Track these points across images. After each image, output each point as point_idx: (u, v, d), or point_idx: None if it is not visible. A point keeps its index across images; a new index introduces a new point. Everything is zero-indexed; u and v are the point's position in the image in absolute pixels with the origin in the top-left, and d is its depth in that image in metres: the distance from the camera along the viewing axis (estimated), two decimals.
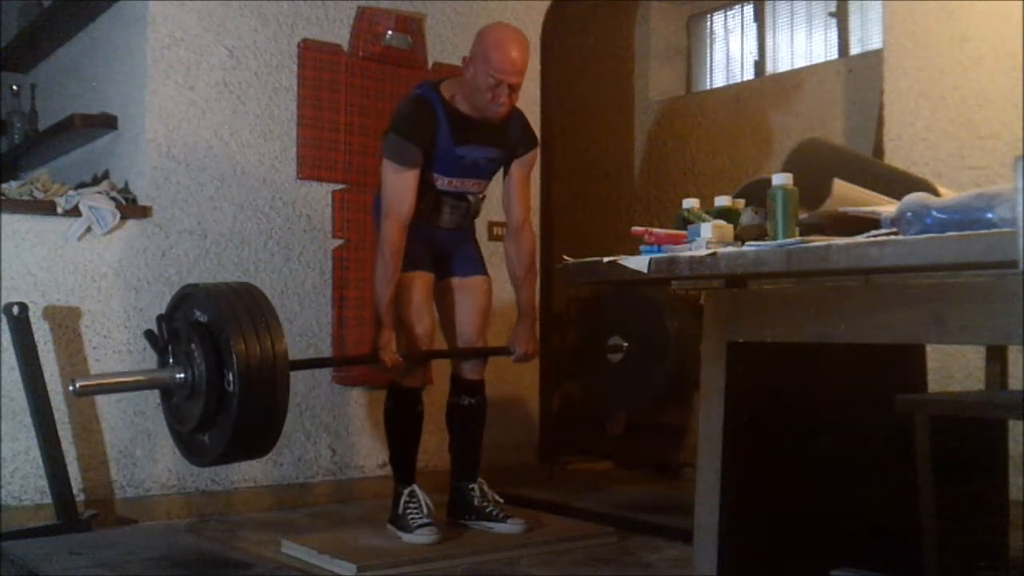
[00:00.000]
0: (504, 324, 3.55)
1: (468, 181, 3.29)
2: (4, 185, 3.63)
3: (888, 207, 2.00)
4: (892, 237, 1.87)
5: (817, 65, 5.28)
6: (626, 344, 3.48)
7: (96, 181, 3.94)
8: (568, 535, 3.34)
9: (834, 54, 5.27)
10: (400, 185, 3.16)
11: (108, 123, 3.96)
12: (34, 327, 3.39)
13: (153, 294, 3.67)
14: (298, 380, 3.63)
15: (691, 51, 6.15)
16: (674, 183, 5.78)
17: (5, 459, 3.44)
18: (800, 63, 5.47)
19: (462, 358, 3.43)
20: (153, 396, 3.44)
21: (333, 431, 4.05)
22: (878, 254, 1.84)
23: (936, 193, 2.16)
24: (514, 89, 3.14)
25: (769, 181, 2.15)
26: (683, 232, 2.31)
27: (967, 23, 3.70)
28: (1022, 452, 2.94)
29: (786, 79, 5.39)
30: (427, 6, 4.32)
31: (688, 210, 2.38)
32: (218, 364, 2.69)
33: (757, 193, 2.30)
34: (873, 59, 4.54)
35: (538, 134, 3.54)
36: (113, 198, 3.64)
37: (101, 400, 3.60)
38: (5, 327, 3.37)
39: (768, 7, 5.67)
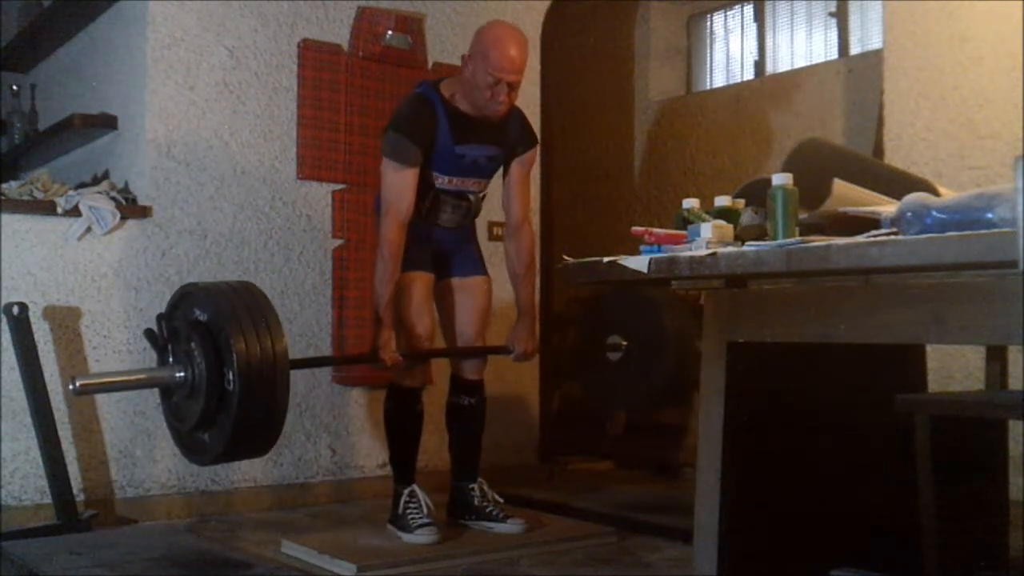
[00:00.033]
0: (504, 324, 3.55)
1: (468, 180, 3.29)
2: (4, 185, 3.63)
3: (888, 207, 2.00)
4: (892, 237, 1.87)
5: (817, 65, 5.28)
6: (625, 343, 3.49)
7: (96, 181, 3.94)
8: (568, 535, 3.34)
9: (834, 54, 5.27)
10: (399, 184, 3.16)
11: (108, 123, 3.96)
12: (34, 327, 3.39)
13: (153, 294, 3.67)
14: (298, 380, 3.63)
15: (691, 51, 6.15)
16: (674, 183, 5.77)
17: (5, 459, 3.44)
18: (800, 63, 5.47)
19: (461, 357, 3.43)
20: (153, 396, 3.44)
21: (333, 431, 4.05)
22: (878, 254, 1.84)
23: (936, 193, 2.16)
24: (513, 87, 3.14)
25: (769, 181, 2.15)
26: (683, 232, 2.31)
27: (967, 23, 3.70)
28: (1022, 452, 2.94)
29: (786, 79, 5.39)
30: (427, 6, 4.32)
31: (688, 210, 2.38)
32: (218, 363, 2.69)
33: (757, 193, 2.30)
34: (873, 59, 4.54)
35: (538, 134, 3.54)
36: (113, 198, 3.64)
37: (101, 400, 3.60)
38: (5, 327, 3.37)
39: (768, 7, 5.67)
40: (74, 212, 3.55)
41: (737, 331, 2.32)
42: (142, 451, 3.68)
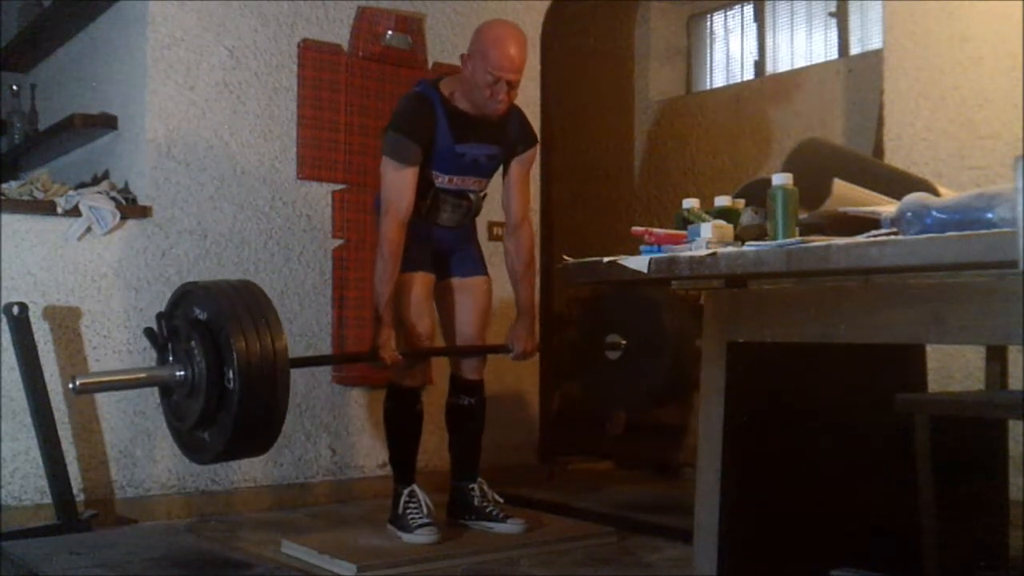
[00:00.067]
0: (504, 323, 3.55)
1: (468, 179, 3.29)
2: (4, 185, 3.63)
3: (888, 207, 2.00)
4: (892, 237, 1.87)
5: (817, 65, 5.28)
6: (624, 342, 3.49)
7: (96, 181, 3.94)
8: (568, 535, 3.34)
9: (834, 54, 5.27)
10: (399, 183, 3.16)
11: (108, 123, 3.96)
12: (34, 327, 3.39)
13: (153, 294, 3.67)
14: (298, 380, 3.63)
15: (691, 51, 6.15)
16: (674, 183, 5.78)
17: (5, 459, 3.44)
18: (800, 63, 5.47)
19: (461, 356, 3.43)
20: (153, 396, 3.44)
21: (333, 431, 4.05)
22: (878, 254, 1.84)
23: (936, 193, 2.16)
24: (513, 86, 3.14)
25: (769, 181, 2.15)
26: (683, 232, 2.31)
27: (967, 23, 3.70)
28: (1022, 452, 2.94)
29: (786, 79, 5.39)
30: (427, 6, 4.32)
31: (688, 210, 2.38)
32: (218, 361, 2.69)
33: (757, 193, 2.30)
34: (873, 59, 4.54)
35: (538, 134, 3.54)
36: (113, 198, 3.64)
37: (101, 400, 3.60)
38: (5, 327, 3.37)
39: (768, 7, 5.67)
40: (74, 212, 3.55)
41: (737, 331, 2.32)
42: (142, 451, 3.68)
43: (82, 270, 3.59)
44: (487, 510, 3.36)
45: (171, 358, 2.85)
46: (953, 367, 3.54)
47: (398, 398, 3.35)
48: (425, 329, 3.28)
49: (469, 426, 3.45)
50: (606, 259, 2.35)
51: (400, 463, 3.36)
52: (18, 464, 3.46)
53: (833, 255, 1.90)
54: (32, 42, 4.71)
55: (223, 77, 3.87)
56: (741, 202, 2.38)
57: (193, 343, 2.74)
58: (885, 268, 1.91)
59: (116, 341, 3.64)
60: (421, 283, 3.28)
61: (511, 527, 3.30)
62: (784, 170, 2.18)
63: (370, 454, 4.09)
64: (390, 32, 4.13)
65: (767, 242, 2.09)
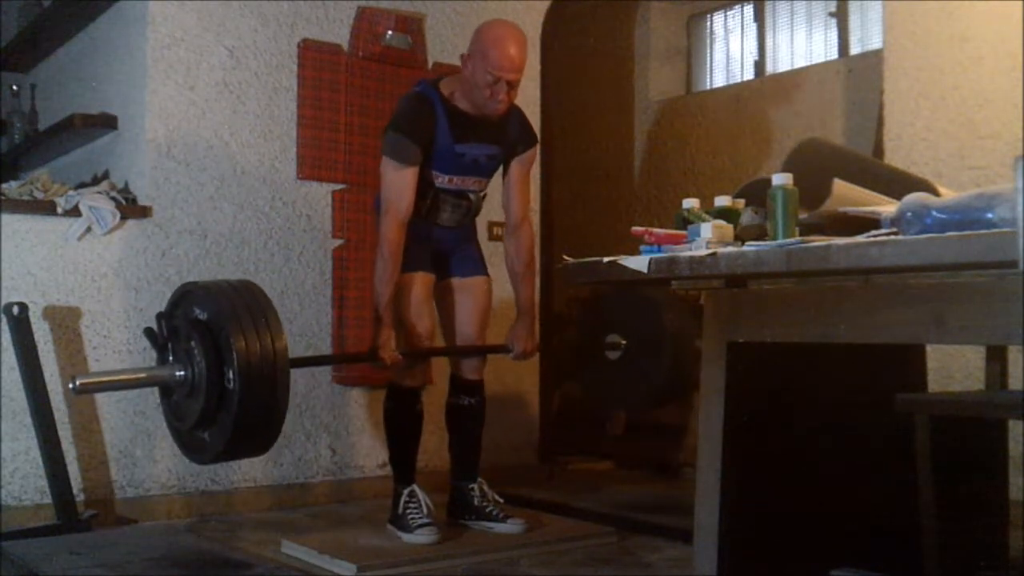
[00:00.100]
0: (504, 323, 3.55)
1: (468, 179, 3.29)
2: (4, 185, 3.63)
3: (888, 207, 2.00)
4: (892, 237, 1.87)
5: (817, 65, 5.28)
6: (624, 342, 3.49)
7: (96, 181, 3.94)
8: (568, 535, 3.34)
9: (834, 54, 5.27)
10: (399, 183, 3.16)
11: (108, 123, 3.96)
12: (34, 327, 3.39)
13: (153, 294, 3.67)
14: (298, 380, 3.63)
15: (691, 51, 6.15)
16: (674, 183, 5.78)
17: (5, 459, 3.44)
18: (800, 63, 5.47)
19: (461, 356, 3.43)
20: (153, 396, 3.44)
21: (333, 431, 4.05)
22: (878, 254, 1.84)
23: (936, 193, 2.16)
24: (512, 86, 3.14)
25: (769, 181, 2.15)
26: (683, 232, 2.31)
27: (967, 23, 3.70)
28: (1022, 452, 2.94)
29: (786, 79, 5.39)
30: (427, 6, 4.32)
31: (688, 210, 2.38)
32: (218, 361, 2.69)
33: (757, 193, 2.30)
34: (873, 59, 4.54)
35: (538, 134, 3.54)
36: (113, 198, 3.64)
37: (101, 400, 3.60)
38: (5, 327, 3.37)
39: (768, 7, 5.67)
40: (74, 212, 3.55)
41: (737, 331, 2.32)
42: (142, 451, 3.68)
43: (82, 270, 3.59)
44: (487, 510, 3.36)
45: (171, 358, 2.85)
46: (953, 367, 3.54)
47: (398, 398, 3.35)
48: (425, 329, 3.28)
49: (469, 426, 3.45)
50: (606, 259, 2.35)
51: (400, 463, 3.36)
52: (18, 464, 3.46)
53: (833, 255, 1.90)
54: (32, 42, 4.71)
55: (223, 77, 3.87)
56: (741, 202, 2.38)
57: (193, 343, 2.74)
58: (885, 268, 1.91)
59: (116, 341, 3.64)
60: (421, 283, 3.28)
61: (511, 527, 3.30)
62: (784, 170, 2.18)
63: (370, 454, 4.09)
64: (390, 32, 4.13)
65: (767, 242, 2.09)
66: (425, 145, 3.16)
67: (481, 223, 3.68)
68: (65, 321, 3.56)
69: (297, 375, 3.38)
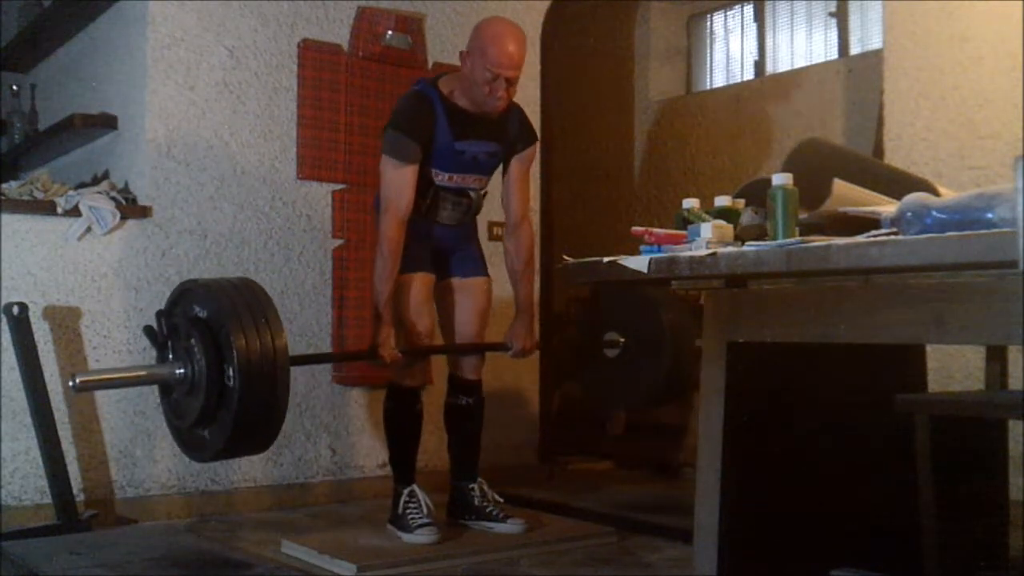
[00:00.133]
0: (504, 322, 3.55)
1: (469, 177, 3.29)
2: (4, 185, 3.63)
3: (888, 207, 2.00)
4: (892, 237, 1.87)
5: (817, 65, 5.28)
6: (622, 340, 3.49)
7: (96, 181, 3.94)
8: (568, 535, 3.34)
9: (834, 54, 5.27)
10: (399, 181, 3.16)
11: (108, 123, 3.96)
12: (34, 327, 3.39)
13: (153, 294, 3.66)
14: (298, 380, 3.63)
15: (691, 51, 6.15)
16: (674, 183, 5.78)
17: (5, 459, 3.44)
18: (800, 63, 5.47)
19: (460, 354, 3.43)
20: (153, 396, 3.44)
21: (333, 431, 4.05)
22: (878, 254, 1.84)
23: (936, 193, 2.16)
24: (511, 83, 3.14)
25: (769, 181, 2.15)
26: (683, 232, 2.31)
27: (967, 23, 3.70)
28: (1022, 452, 2.94)
29: (786, 79, 5.39)
30: (427, 6, 4.32)
31: (688, 210, 2.38)
32: (218, 359, 2.69)
33: (757, 193, 2.30)
34: (873, 59, 4.54)
35: (538, 133, 3.54)
36: (113, 198, 3.64)
37: (101, 400, 3.60)
38: (5, 327, 3.37)
39: (768, 7, 5.68)
40: (74, 212, 3.55)
41: (737, 331, 2.32)
42: (142, 451, 3.68)
43: (82, 270, 3.59)
44: (487, 510, 3.36)
45: (171, 356, 2.85)
46: (953, 367, 3.54)
47: (398, 398, 3.35)
48: (425, 328, 3.28)
49: (468, 426, 3.45)
50: (606, 259, 2.35)
51: (400, 463, 3.36)
52: (18, 464, 3.46)
53: (833, 255, 1.90)
54: (32, 42, 4.71)
55: (223, 77, 3.87)
56: (741, 202, 2.38)
57: (193, 341, 2.74)
58: (885, 268, 1.91)
59: (116, 341, 3.64)
60: (421, 283, 3.28)
61: (511, 527, 3.30)
62: (784, 170, 2.18)
63: (370, 454, 4.09)
64: (390, 32, 4.13)
65: (767, 242, 2.09)
66: (425, 143, 3.16)
67: (481, 223, 3.68)
68: (65, 321, 3.56)
69: (297, 375, 3.38)
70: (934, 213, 1.82)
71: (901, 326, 2.00)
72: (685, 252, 2.21)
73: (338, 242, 4.08)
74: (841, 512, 2.48)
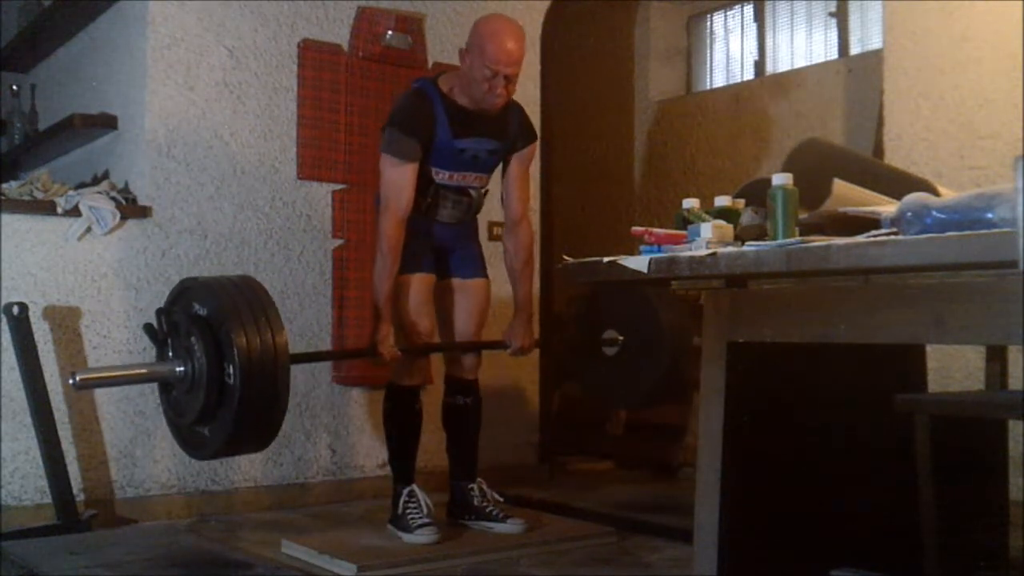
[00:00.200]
0: (504, 321, 3.55)
1: (469, 175, 3.29)
2: (4, 185, 3.63)
3: (888, 207, 2.00)
4: (892, 237, 1.87)
5: (817, 65, 5.28)
6: (621, 338, 3.49)
7: (96, 181, 3.94)
8: (568, 535, 3.34)
9: (834, 54, 5.27)
10: (398, 179, 3.16)
11: (108, 123, 3.96)
12: (34, 327, 3.39)
13: (153, 294, 3.66)
14: (298, 380, 3.63)
15: (691, 51, 6.15)
16: (674, 183, 5.78)
17: (5, 459, 3.44)
18: (800, 63, 5.47)
19: (459, 352, 3.43)
20: (153, 396, 3.44)
21: (333, 431, 4.05)
22: (878, 254, 1.84)
23: (936, 193, 2.16)
24: (511, 80, 3.13)
25: (769, 181, 2.15)
26: (683, 232, 2.31)
27: (967, 23, 3.70)
28: (1022, 452, 2.94)
29: (786, 79, 5.39)
30: (427, 6, 4.32)
31: (688, 210, 2.38)
32: (218, 357, 2.69)
33: (757, 193, 2.30)
34: (873, 59, 4.54)
35: (538, 133, 3.54)
36: (113, 198, 3.64)
37: (101, 400, 3.61)
38: (5, 327, 3.37)
39: (768, 7, 5.67)
40: (74, 212, 3.55)
41: (737, 331, 2.32)
42: (142, 451, 3.68)
43: (82, 270, 3.59)
44: (487, 510, 3.36)
45: (171, 354, 2.85)
46: (953, 367, 3.54)
47: (397, 397, 3.35)
48: (425, 329, 3.28)
49: (466, 426, 3.45)
50: (606, 259, 2.35)
51: (400, 463, 3.36)
52: (18, 464, 3.46)
53: (833, 255, 1.90)
54: (32, 42, 4.71)
55: (223, 77, 3.87)
56: (741, 202, 2.38)
57: (193, 339, 2.74)
58: (885, 268, 1.91)
59: (116, 341, 3.64)
60: (421, 284, 3.28)
61: (511, 527, 3.30)
62: (784, 170, 2.18)
63: (370, 454, 4.09)
64: (390, 32, 4.13)
65: (767, 242, 2.09)
66: (424, 141, 3.16)
67: (481, 223, 3.68)
68: (65, 321, 3.56)
69: (297, 375, 3.38)
70: (934, 213, 1.82)
71: (901, 326, 2.00)
72: (685, 252, 2.21)
73: (338, 242, 4.08)
74: (841, 512, 2.48)
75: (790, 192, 2.10)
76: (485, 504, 3.37)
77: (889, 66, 3.96)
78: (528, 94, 4.24)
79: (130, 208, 3.68)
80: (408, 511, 3.23)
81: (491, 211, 3.83)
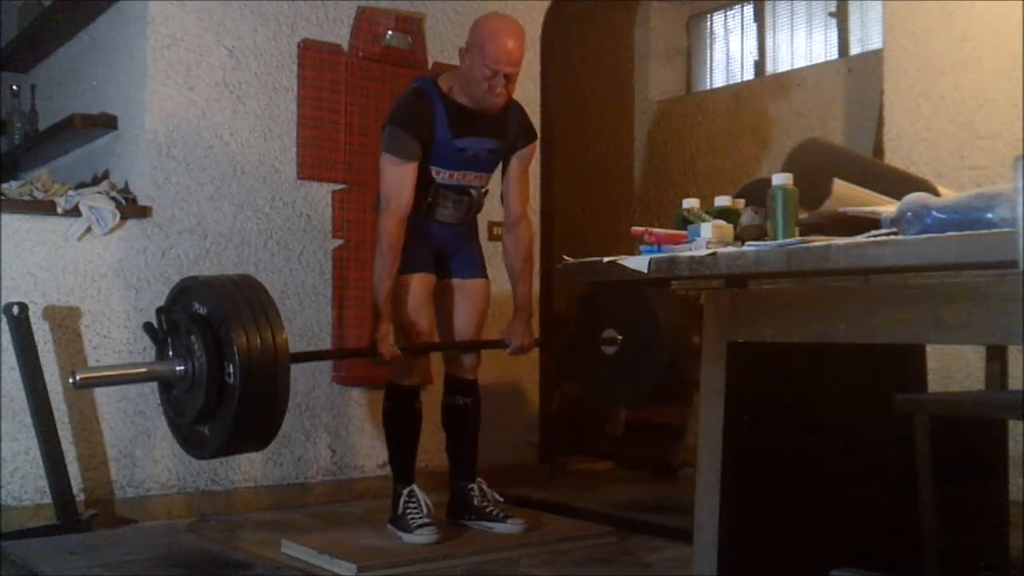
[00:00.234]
0: (503, 321, 3.55)
1: (469, 174, 3.29)
2: (4, 185, 3.63)
3: (888, 207, 2.00)
4: (892, 237, 1.87)
5: (817, 65, 5.28)
6: (620, 337, 3.49)
7: (96, 181, 3.94)
8: (568, 535, 3.34)
9: (834, 54, 5.27)
10: (398, 178, 3.16)
11: (108, 123, 3.96)
12: (34, 327, 3.39)
13: (153, 294, 3.66)
14: (298, 380, 3.63)
15: (691, 51, 6.15)
16: (674, 183, 5.78)
17: (5, 459, 3.44)
18: (800, 63, 5.47)
19: (458, 351, 3.43)
20: (153, 396, 3.44)
21: (333, 431, 4.05)
22: (878, 254, 1.84)
23: (936, 193, 2.16)
24: (510, 79, 3.13)
25: (769, 181, 2.15)
26: (683, 232, 2.31)
27: (967, 23, 3.70)
28: (1022, 452, 2.94)
29: (786, 79, 5.39)
30: (427, 6, 4.32)
31: (688, 210, 2.38)
32: (218, 356, 2.69)
33: (757, 193, 2.30)
34: (873, 59, 4.54)
35: (538, 133, 3.54)
36: (113, 198, 3.64)
37: (101, 400, 3.61)
38: (5, 327, 3.37)
39: (768, 7, 5.67)
40: (74, 212, 3.55)
41: (737, 331, 2.32)
42: (142, 451, 3.68)
43: (82, 270, 3.59)
44: (487, 510, 3.36)
45: (171, 353, 2.85)
46: (953, 367, 3.54)
47: (397, 397, 3.35)
48: (424, 329, 3.28)
49: (466, 426, 3.45)
50: (606, 259, 2.35)
51: (400, 463, 3.36)
52: (18, 464, 3.46)
53: (833, 255, 1.90)
54: (32, 42, 4.71)
55: (223, 77, 3.87)
56: (741, 202, 2.38)
57: (193, 338, 2.74)
58: (885, 268, 1.91)
59: (116, 341, 3.64)
60: (421, 284, 3.28)
61: (511, 527, 3.30)
62: (784, 170, 2.18)
63: (370, 454, 4.09)
64: (390, 32, 4.13)
65: (767, 242, 2.09)
66: (424, 140, 3.16)
67: (481, 223, 3.69)
68: (65, 321, 3.56)
69: (297, 375, 3.38)
70: (934, 213, 1.82)
71: (901, 326, 2.00)
72: (685, 252, 2.21)
73: (338, 242, 4.08)
74: (841, 512, 2.48)
75: (790, 192, 2.10)
76: (485, 504, 3.37)
77: (889, 66, 3.96)
78: (528, 94, 4.24)
79: (130, 208, 3.68)
80: (408, 511, 3.23)
81: (491, 211, 3.83)
